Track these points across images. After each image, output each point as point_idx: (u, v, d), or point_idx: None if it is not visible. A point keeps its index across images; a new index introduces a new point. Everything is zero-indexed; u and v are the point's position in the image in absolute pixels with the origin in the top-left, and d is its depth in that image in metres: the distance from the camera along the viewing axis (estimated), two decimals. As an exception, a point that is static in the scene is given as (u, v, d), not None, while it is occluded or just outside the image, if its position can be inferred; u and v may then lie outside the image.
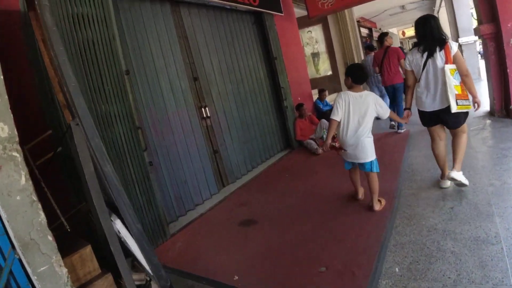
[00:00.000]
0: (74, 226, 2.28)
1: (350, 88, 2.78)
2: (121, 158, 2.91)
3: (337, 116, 2.71)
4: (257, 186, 4.32)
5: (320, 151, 5.05)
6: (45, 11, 1.66)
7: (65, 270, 1.61)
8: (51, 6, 2.55)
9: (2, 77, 1.50)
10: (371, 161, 2.71)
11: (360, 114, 2.66)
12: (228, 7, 4.75)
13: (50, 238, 1.56)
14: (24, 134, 2.30)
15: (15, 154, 1.47)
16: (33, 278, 1.49)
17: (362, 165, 2.78)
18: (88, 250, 2.02)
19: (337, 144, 2.85)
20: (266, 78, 5.59)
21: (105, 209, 1.84)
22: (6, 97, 1.50)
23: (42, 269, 1.52)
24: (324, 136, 5.21)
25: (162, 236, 3.21)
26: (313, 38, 10.07)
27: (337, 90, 9.80)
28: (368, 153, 2.69)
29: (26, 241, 1.45)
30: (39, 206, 1.52)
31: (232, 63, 4.85)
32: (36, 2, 1.64)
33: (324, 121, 5.51)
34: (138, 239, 1.61)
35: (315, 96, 7.22)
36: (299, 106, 5.68)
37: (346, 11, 9.49)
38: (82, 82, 2.72)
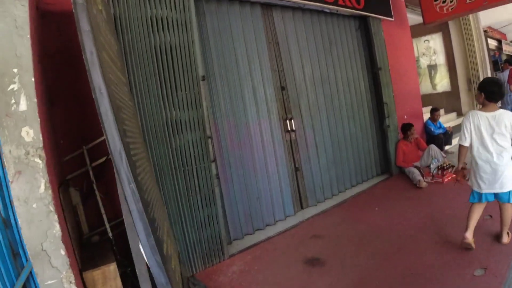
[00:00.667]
0: (121, 234, 2.15)
1: (482, 106, 2.40)
2: (186, 167, 2.69)
3: (464, 141, 2.41)
4: (338, 216, 3.65)
5: (424, 184, 4.09)
6: (80, 10, 1.45)
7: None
8: (129, 8, 2.56)
9: (33, 79, 1.40)
10: (509, 191, 2.32)
11: (496, 136, 2.30)
12: (328, 10, 4.23)
13: (62, 252, 1.42)
14: (86, 134, 2.32)
15: (37, 160, 1.37)
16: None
17: (498, 195, 2.38)
18: (112, 268, 1.80)
19: (459, 175, 2.52)
20: (367, 92, 4.86)
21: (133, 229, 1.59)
22: (36, 100, 1.39)
23: (50, 282, 1.39)
24: (432, 166, 4.24)
25: (219, 255, 2.89)
26: (430, 48, 8.68)
27: (456, 109, 8.21)
28: (509, 181, 2.31)
29: (37, 251, 1.35)
30: (56, 217, 1.39)
31: (328, 72, 4.31)
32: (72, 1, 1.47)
33: (434, 147, 4.49)
34: (154, 273, 1.29)
35: (426, 116, 6.09)
36: (405, 127, 4.76)
37: (471, 18, 7.88)
38: (154, 86, 2.59)
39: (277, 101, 3.70)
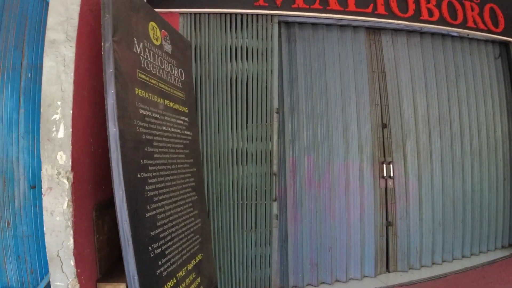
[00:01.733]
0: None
1: None
2: (244, 201, 2.53)
3: None
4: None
5: None
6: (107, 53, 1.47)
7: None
8: (210, 38, 2.47)
9: (71, 111, 1.46)
10: None
11: None
12: (456, 34, 3.41)
13: (72, 262, 1.57)
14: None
15: (64, 181, 1.52)
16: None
17: None
18: (122, 286, 1.69)
19: None
20: (505, 138, 3.74)
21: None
22: (70, 130, 1.49)
23: (58, 284, 1.58)
24: None
25: None
26: None
27: None
28: None
29: (54, 256, 1.56)
30: (71, 232, 1.56)
31: (450, 110, 3.42)
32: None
33: None
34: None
35: None
36: None
37: None
38: (225, 114, 2.51)
39: (374, 141, 3.10)
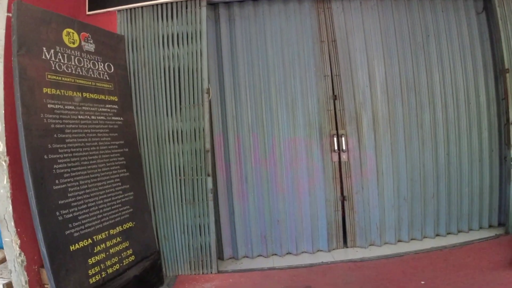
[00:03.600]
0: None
1: None
2: (182, 176, 2.86)
3: None
4: (377, 272, 2.81)
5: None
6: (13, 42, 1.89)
7: (18, 246, 2.17)
8: (144, 29, 2.77)
9: (3, 111, 2.10)
10: None
11: None
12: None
13: (12, 224, 2.14)
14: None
15: (3, 163, 2.11)
16: (2, 242, 2.18)
17: None
18: None
19: None
20: (489, 105, 3.38)
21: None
22: (4, 125, 2.11)
23: (6, 239, 2.14)
24: None
25: (207, 266, 2.93)
26: None
27: None
28: None
29: (1, 218, 2.16)
30: (10, 201, 2.15)
31: (418, 76, 3.22)
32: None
33: None
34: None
35: None
36: None
37: None
38: (161, 98, 2.84)
39: (323, 114, 3.14)
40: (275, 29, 3.09)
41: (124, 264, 2.50)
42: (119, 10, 2.87)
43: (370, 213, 3.19)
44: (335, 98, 3.13)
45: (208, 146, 2.80)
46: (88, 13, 2.90)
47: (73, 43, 2.40)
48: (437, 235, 3.32)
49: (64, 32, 2.34)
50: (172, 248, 2.85)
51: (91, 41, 2.53)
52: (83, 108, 2.40)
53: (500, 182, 3.32)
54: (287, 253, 3.18)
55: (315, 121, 3.10)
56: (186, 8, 2.86)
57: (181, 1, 2.86)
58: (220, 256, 3.15)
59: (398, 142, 3.18)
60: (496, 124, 3.31)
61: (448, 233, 3.33)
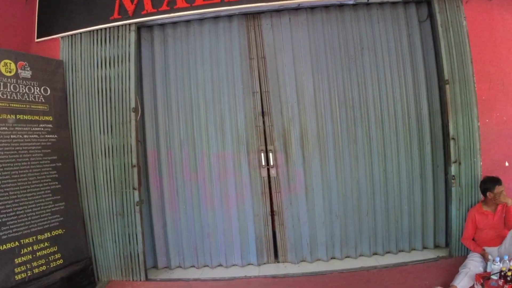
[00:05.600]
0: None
1: None
2: (112, 189, 3.23)
3: None
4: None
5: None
6: None
7: None
8: (84, 51, 3.20)
9: None
10: None
11: None
12: (352, 2, 3.24)
13: None
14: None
15: None
16: None
17: None
18: None
19: None
20: (435, 115, 3.35)
21: None
22: None
23: None
24: (493, 266, 2.54)
25: (136, 274, 3.25)
26: None
27: None
28: None
29: None
30: None
31: (351, 90, 3.31)
32: None
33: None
34: None
35: None
36: (488, 182, 2.91)
37: None
38: (96, 116, 3.28)
39: (251, 130, 3.37)
40: (205, 49, 3.39)
41: (51, 266, 2.95)
42: (62, 37, 3.35)
43: (301, 229, 3.35)
44: (263, 114, 3.31)
45: (134, 161, 3.16)
46: (36, 40, 3.43)
47: (10, 72, 2.90)
48: (375, 253, 3.37)
49: (2, 63, 2.85)
50: (105, 255, 3.25)
51: (28, 69, 3.01)
52: (16, 128, 2.89)
53: (446, 200, 3.27)
54: (218, 265, 3.44)
55: (243, 137, 3.33)
56: (118, 32, 3.24)
57: (114, 27, 3.25)
58: (155, 265, 3.47)
59: (328, 158, 3.30)
60: (441, 138, 3.30)
61: (387, 252, 3.37)
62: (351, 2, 3.25)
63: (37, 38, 3.45)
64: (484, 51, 3.22)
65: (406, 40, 3.34)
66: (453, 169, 3.12)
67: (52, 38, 3.41)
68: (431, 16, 3.31)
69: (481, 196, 2.98)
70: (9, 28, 3.23)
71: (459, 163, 3.13)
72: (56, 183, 3.10)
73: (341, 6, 3.33)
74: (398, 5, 3.35)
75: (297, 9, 3.33)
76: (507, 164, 3.21)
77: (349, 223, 3.35)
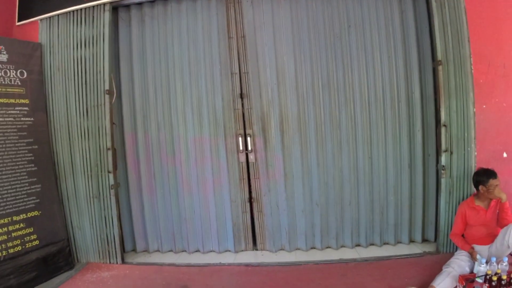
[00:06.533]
0: None
1: None
2: (88, 172, 3.26)
3: None
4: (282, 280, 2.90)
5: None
6: None
7: None
8: (61, 33, 3.22)
9: None
10: None
11: None
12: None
13: None
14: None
15: None
16: None
17: None
18: None
19: None
20: (428, 100, 3.13)
21: None
22: None
23: None
24: (479, 268, 2.37)
25: (112, 257, 3.31)
26: None
27: None
28: None
29: None
30: None
31: (335, 72, 3.14)
32: None
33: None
34: None
35: None
36: (481, 175, 2.68)
37: None
38: (73, 98, 3.28)
39: (230, 113, 3.29)
40: (182, 28, 3.31)
41: (27, 246, 3.05)
42: (40, 20, 3.35)
43: (279, 217, 3.29)
44: (242, 96, 3.22)
45: (109, 144, 3.18)
46: (17, 23, 3.47)
47: (-13, 55, 2.94)
48: (357, 245, 3.26)
49: (-20, 47, 2.88)
50: (84, 238, 3.33)
51: (4, 52, 3.05)
52: (-8, 110, 2.93)
53: (437, 191, 3.08)
54: (196, 251, 3.45)
55: (220, 120, 3.27)
56: (93, 13, 3.21)
57: (89, 7, 3.22)
58: (134, 248, 3.52)
59: (309, 144, 3.18)
60: (433, 125, 3.09)
61: (371, 244, 3.27)
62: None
63: (18, 21, 3.47)
64: (483, 29, 2.95)
65: (398, 18, 3.12)
66: (443, 158, 2.92)
67: (31, 21, 3.42)
68: (426, -11, 3.04)
69: (474, 189, 2.76)
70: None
71: (451, 153, 2.92)
72: (32, 165, 3.16)
73: (327, -20, 3.12)
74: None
75: (278, -16, 3.16)
76: (505, 155, 2.97)
77: (331, 213, 3.25)
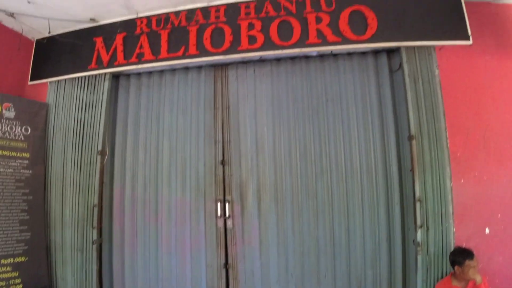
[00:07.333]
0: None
1: None
2: (76, 225, 3.47)
3: None
4: None
5: None
6: None
7: None
8: (67, 95, 3.62)
9: None
10: None
11: None
12: (315, 53, 3.27)
13: None
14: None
15: None
16: None
17: None
18: None
19: None
20: (397, 176, 3.15)
21: None
22: None
23: None
24: None
25: None
26: None
27: None
28: None
29: None
30: None
31: (313, 144, 3.25)
32: None
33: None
34: None
35: None
36: (458, 255, 2.62)
37: None
38: (70, 155, 3.60)
39: (211, 178, 3.45)
40: (174, 98, 3.65)
41: (11, 289, 3.21)
42: (50, 82, 3.79)
43: (254, 285, 3.27)
44: (224, 163, 3.39)
45: (96, 201, 3.41)
46: (29, 83, 3.94)
47: (-5, 112, 3.35)
48: (334, 321, 3.16)
49: (-10, 104, 3.31)
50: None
51: (12, 110, 3.46)
52: (-5, 162, 3.28)
53: (404, 271, 3.03)
54: (174, 311, 3.44)
55: (202, 185, 3.44)
56: (95, 80, 3.61)
57: (92, 75, 3.61)
58: (113, 303, 3.60)
59: (286, 212, 3.25)
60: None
61: (349, 321, 3.14)
62: (314, 54, 3.28)
63: (30, 81, 3.96)
64: (461, 101, 3.04)
65: (375, 91, 3.27)
66: (419, 234, 2.89)
67: (42, 82, 3.88)
68: (403, 65, 3.20)
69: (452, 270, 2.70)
70: (3, 71, 3.73)
71: (427, 228, 2.89)
72: (25, 214, 3.44)
73: (307, 57, 3.37)
74: (368, 55, 3.31)
75: (262, 60, 3.44)
76: (487, 231, 2.90)
77: (306, 285, 3.21)
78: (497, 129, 3.03)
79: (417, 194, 2.92)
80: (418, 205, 2.91)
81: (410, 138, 2.98)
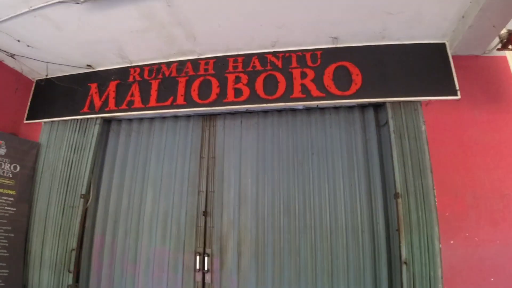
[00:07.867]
0: None
1: None
2: (53, 268, 3.39)
3: None
4: None
5: None
6: None
7: None
8: (58, 137, 3.70)
9: None
10: None
11: None
12: (301, 107, 3.31)
13: None
14: None
15: None
16: None
17: None
18: None
19: None
20: (384, 236, 3.02)
21: None
22: None
23: None
24: None
25: None
26: None
27: None
28: None
29: None
30: None
31: (297, 199, 3.18)
32: None
33: None
34: None
35: None
36: None
37: None
38: (55, 194, 3.61)
39: (191, 230, 3.38)
40: (162, 145, 3.69)
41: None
42: (44, 122, 3.90)
43: None
44: (206, 214, 3.33)
45: (74, 245, 3.37)
46: (25, 121, 4.05)
47: (-12, 149, 3.44)
48: None
49: (-18, 141, 3.41)
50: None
51: (4, 147, 3.55)
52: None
53: None
54: None
55: (182, 236, 3.36)
56: (86, 124, 3.70)
57: (84, 119, 3.70)
58: None
59: (266, 269, 3.14)
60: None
61: None
62: (300, 107, 3.30)
63: (26, 119, 4.08)
64: (449, 158, 2.97)
65: (361, 146, 3.24)
66: (404, 301, 2.71)
67: (37, 122, 4.00)
68: (388, 121, 3.17)
69: None
70: (1, 108, 3.86)
71: (410, 293, 2.71)
72: (5, 251, 3.41)
73: (293, 110, 3.39)
74: (354, 109, 3.32)
75: (250, 112, 3.48)
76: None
77: None
78: (488, 187, 2.92)
79: (403, 256, 2.77)
80: (404, 268, 2.75)
81: (396, 196, 2.89)
